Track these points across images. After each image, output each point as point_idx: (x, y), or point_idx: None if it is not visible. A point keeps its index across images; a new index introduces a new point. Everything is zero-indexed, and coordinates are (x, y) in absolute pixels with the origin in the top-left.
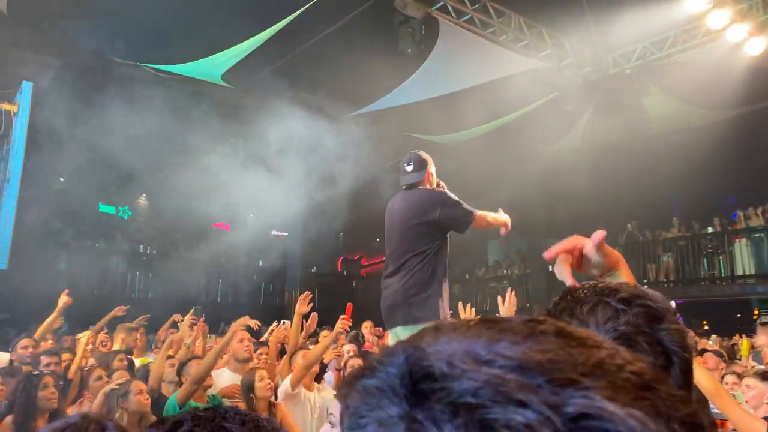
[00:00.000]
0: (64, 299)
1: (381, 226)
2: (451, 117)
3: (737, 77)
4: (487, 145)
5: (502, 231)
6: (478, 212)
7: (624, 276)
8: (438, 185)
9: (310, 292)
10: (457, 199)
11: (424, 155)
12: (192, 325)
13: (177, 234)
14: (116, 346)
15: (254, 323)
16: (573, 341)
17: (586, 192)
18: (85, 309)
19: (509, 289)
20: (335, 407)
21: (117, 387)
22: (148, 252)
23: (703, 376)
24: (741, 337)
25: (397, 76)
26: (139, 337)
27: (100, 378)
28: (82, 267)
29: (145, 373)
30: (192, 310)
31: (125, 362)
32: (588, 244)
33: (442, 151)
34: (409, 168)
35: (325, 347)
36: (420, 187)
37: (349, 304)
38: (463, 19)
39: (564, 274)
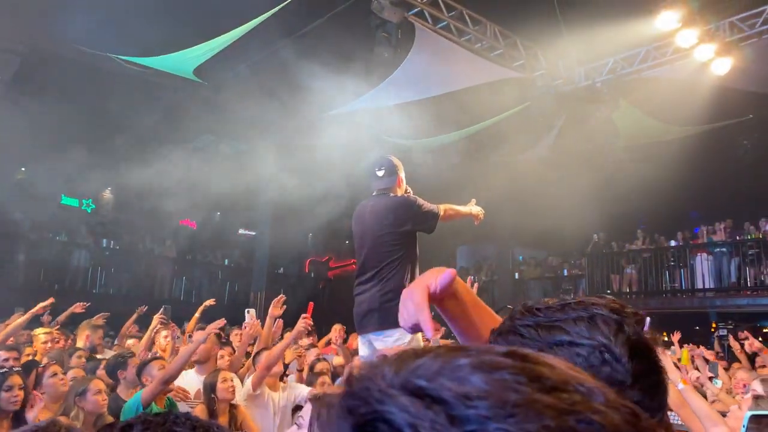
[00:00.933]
0: (43, 304)
1: (351, 228)
2: (425, 122)
3: (703, 95)
4: (458, 151)
5: (476, 222)
6: (443, 208)
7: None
8: (406, 191)
9: (284, 296)
10: (423, 203)
11: (396, 160)
12: (162, 324)
13: (141, 229)
14: (80, 344)
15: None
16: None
17: (553, 201)
18: None
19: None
20: (306, 409)
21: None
22: (111, 247)
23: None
24: (681, 348)
25: (372, 78)
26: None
27: (55, 375)
28: (41, 260)
29: (93, 369)
30: (161, 309)
31: (83, 360)
32: (432, 282)
33: (414, 156)
34: (381, 173)
35: (286, 345)
36: (391, 193)
37: (310, 303)
38: (440, 25)
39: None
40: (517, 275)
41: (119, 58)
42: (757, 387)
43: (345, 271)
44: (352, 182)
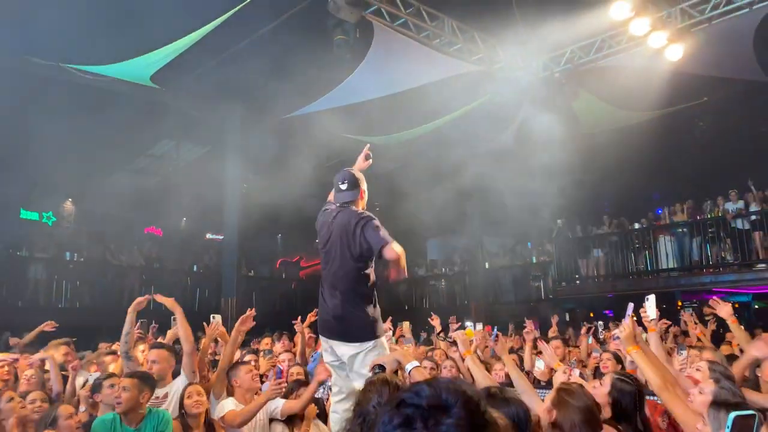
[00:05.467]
0: None
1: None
2: (388, 119)
3: (659, 81)
4: (423, 146)
5: (394, 275)
6: (396, 246)
7: None
8: (366, 205)
9: (253, 311)
10: (378, 226)
11: (357, 174)
12: (140, 338)
13: (106, 239)
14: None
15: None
16: None
17: (518, 191)
18: (6, 320)
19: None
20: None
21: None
22: (75, 259)
23: (650, 372)
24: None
25: (333, 78)
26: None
27: (11, 400)
28: (2, 276)
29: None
30: (137, 323)
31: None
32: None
33: (380, 152)
34: (344, 186)
35: (259, 407)
36: (353, 207)
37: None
38: (397, 23)
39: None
40: (487, 265)
41: (73, 68)
42: (703, 367)
43: (316, 270)
44: (319, 182)
